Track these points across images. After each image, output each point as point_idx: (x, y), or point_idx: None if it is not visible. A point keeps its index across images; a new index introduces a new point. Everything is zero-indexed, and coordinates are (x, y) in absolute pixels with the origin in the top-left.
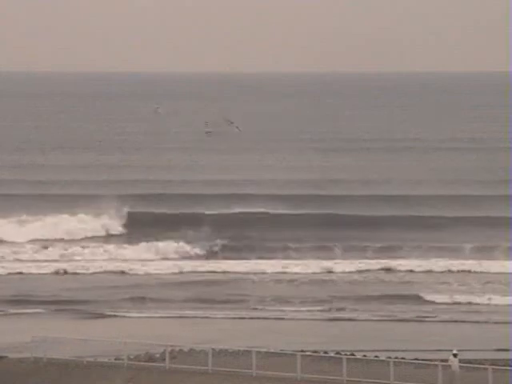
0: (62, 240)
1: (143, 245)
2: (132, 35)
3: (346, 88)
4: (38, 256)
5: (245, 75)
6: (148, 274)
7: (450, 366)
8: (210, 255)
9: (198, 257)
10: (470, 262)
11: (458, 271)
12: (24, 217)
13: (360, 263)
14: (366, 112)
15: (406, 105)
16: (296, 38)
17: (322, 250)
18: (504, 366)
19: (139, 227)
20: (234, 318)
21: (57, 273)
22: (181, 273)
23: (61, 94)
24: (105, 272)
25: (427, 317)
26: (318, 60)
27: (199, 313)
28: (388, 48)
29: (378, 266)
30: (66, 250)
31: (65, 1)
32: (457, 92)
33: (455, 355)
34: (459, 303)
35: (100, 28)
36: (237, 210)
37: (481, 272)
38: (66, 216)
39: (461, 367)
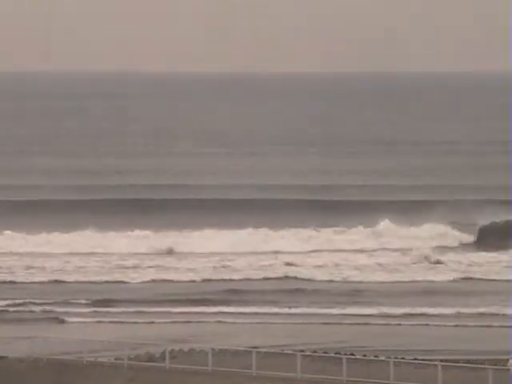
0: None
1: None
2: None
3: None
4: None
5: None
6: None
7: (509, 369)
8: None
9: None
10: None
11: None
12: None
13: None
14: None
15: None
16: (296, 38)
17: None
18: (504, 366)
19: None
20: None
21: None
22: None
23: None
24: None
25: None
26: (318, 60)
27: None
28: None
29: None
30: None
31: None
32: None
33: None
34: None
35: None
36: None
37: None
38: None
39: (461, 367)
